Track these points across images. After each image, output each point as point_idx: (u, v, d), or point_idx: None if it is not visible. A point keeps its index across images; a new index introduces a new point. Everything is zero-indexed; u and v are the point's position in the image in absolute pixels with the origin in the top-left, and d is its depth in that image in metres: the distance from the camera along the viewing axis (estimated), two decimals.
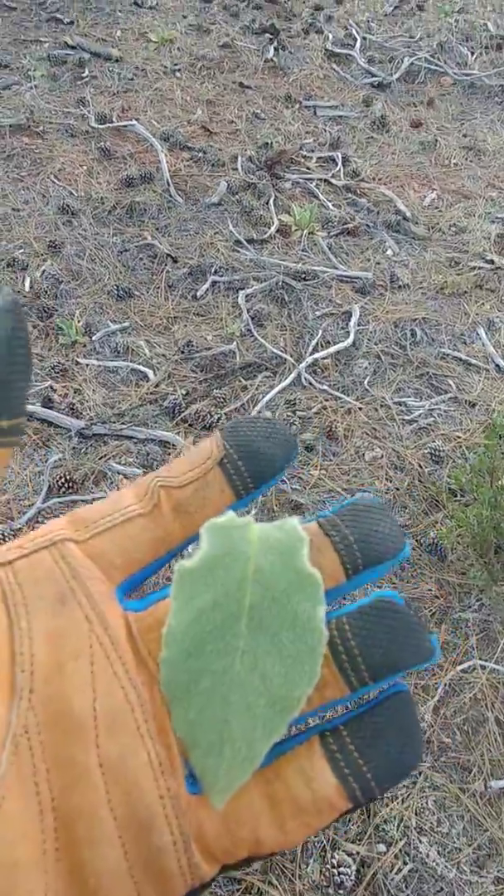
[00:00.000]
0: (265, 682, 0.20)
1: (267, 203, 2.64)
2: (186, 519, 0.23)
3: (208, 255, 2.40)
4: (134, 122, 2.92)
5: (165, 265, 2.36)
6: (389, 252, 2.41)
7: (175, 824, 0.19)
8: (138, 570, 0.23)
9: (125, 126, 2.92)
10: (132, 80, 3.32)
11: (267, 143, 2.91)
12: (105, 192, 2.63)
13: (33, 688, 0.19)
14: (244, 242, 2.44)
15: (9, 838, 0.17)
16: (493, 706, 1.35)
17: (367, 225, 2.53)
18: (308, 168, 2.83)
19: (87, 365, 2.02)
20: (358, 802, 0.20)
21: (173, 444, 1.78)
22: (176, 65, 3.41)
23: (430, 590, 1.51)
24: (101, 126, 2.92)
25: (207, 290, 2.28)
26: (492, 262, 2.32)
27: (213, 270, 2.34)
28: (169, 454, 1.77)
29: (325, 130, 2.96)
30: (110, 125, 2.94)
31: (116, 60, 3.41)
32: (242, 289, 2.27)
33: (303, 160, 2.86)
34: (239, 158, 2.83)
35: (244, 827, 0.20)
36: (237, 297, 2.24)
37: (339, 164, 2.79)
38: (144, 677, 0.20)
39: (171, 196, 2.63)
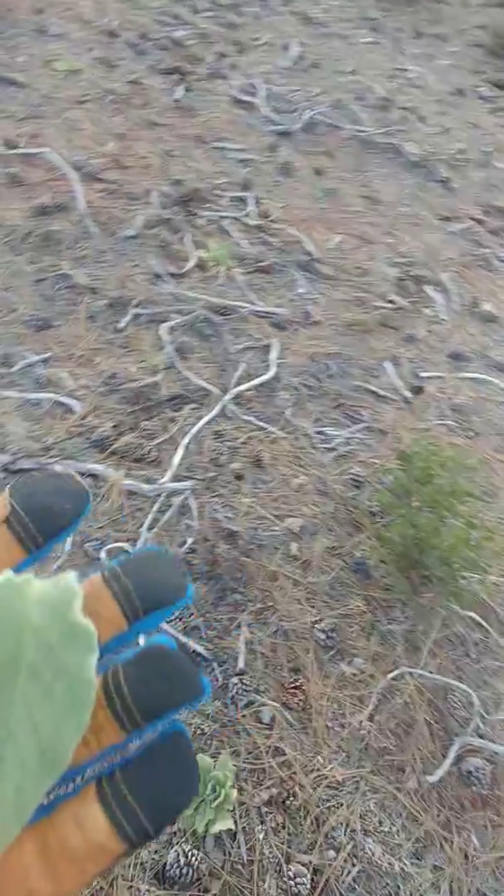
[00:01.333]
0: (37, 733, 0.20)
1: (182, 238, 2.73)
2: None
3: (128, 288, 2.44)
4: (46, 149, 2.91)
5: (85, 296, 2.37)
6: (301, 290, 2.58)
7: None
8: None
9: (36, 153, 2.90)
10: (39, 106, 3.30)
11: (179, 180, 3.01)
12: (17, 220, 2.59)
13: None
14: (163, 276, 2.50)
15: None
16: (420, 708, 1.48)
17: (279, 264, 2.69)
18: (220, 206, 2.95)
19: (7, 397, 1.98)
20: (133, 844, 0.20)
21: (104, 478, 1.79)
22: (85, 95, 3.44)
23: (358, 606, 1.63)
24: (9, 151, 2.88)
25: (129, 322, 2.31)
26: (392, 302, 2.55)
27: (133, 303, 2.37)
28: (100, 487, 1.77)
29: (235, 171, 3.11)
30: (19, 151, 2.90)
31: (21, 86, 3.37)
32: (164, 321, 2.33)
33: (215, 198, 2.98)
34: (153, 193, 2.90)
35: (13, 883, 0.19)
36: (159, 329, 2.29)
37: (250, 204, 2.94)
38: None
39: (87, 227, 2.65)
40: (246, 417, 2.05)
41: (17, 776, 0.19)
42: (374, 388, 2.22)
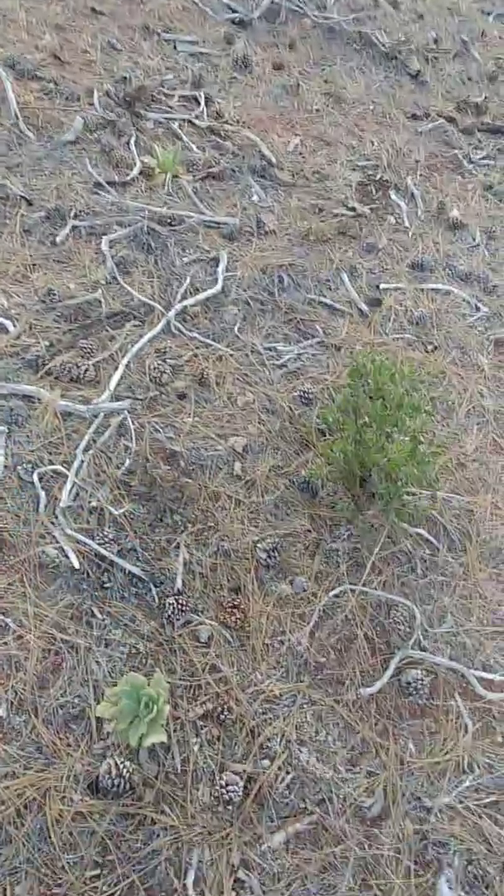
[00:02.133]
0: None
1: (128, 143, 2.51)
2: None
3: (67, 198, 2.25)
4: None
5: (19, 208, 2.19)
6: (255, 198, 2.40)
7: None
8: None
9: None
10: None
11: (125, 78, 2.75)
12: None
13: None
14: (105, 185, 2.31)
15: None
16: (362, 624, 1.47)
17: (233, 169, 2.50)
18: (170, 107, 2.71)
19: None
20: None
21: (38, 399, 1.69)
22: None
23: (303, 525, 1.59)
24: None
25: (67, 235, 2.14)
26: (353, 209, 2.39)
27: (72, 214, 2.20)
28: (34, 409, 1.68)
29: (187, 67, 2.84)
30: None
31: None
32: (105, 234, 2.17)
33: (164, 98, 2.73)
34: (95, 93, 2.64)
35: None
36: (100, 242, 2.13)
37: (203, 104, 2.70)
38: None
39: (21, 131, 2.42)
40: (191, 334, 1.94)
41: None
42: (328, 302, 2.10)
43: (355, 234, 2.33)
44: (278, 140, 2.61)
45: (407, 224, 2.39)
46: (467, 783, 1.35)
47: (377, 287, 2.18)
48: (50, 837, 1.16)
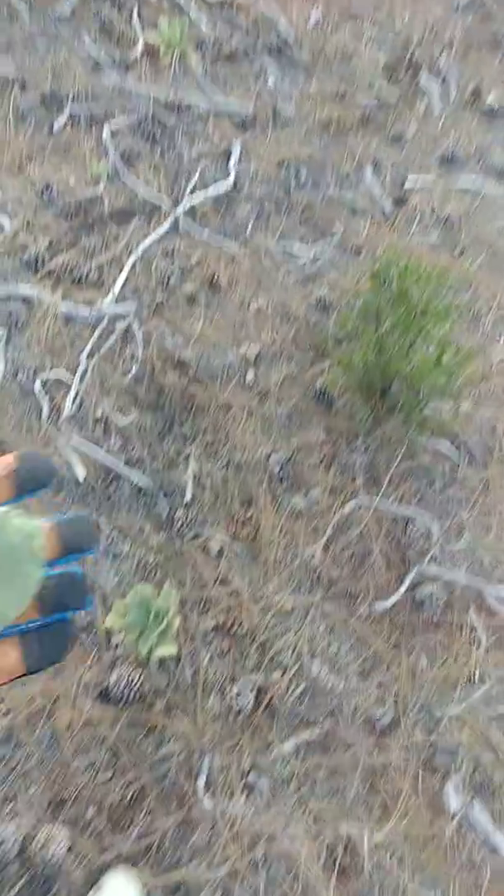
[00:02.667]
0: None
1: (130, 16, 2.24)
2: None
3: (63, 80, 2.04)
4: None
5: (11, 90, 1.98)
6: (271, 81, 2.16)
7: None
8: None
9: None
10: None
11: None
12: None
13: None
14: (105, 65, 2.08)
15: None
16: (377, 539, 1.42)
17: (247, 49, 2.24)
18: None
19: None
20: (30, 671, 0.35)
21: (39, 302, 1.58)
22: None
23: (317, 437, 1.51)
24: None
25: (65, 122, 1.95)
26: (379, 94, 2.15)
27: (70, 98, 1.99)
28: (34, 313, 1.57)
29: None
30: None
31: None
32: (106, 122, 1.97)
33: None
34: None
35: None
36: (101, 131, 1.94)
37: None
38: None
39: (10, 5, 2.16)
40: (201, 234, 1.79)
41: None
42: (349, 199, 1.93)
43: (380, 123, 2.11)
44: (298, 14, 2.32)
45: (438, 111, 2.16)
46: (477, 695, 1.34)
47: (402, 183, 1.99)
48: (61, 743, 1.17)
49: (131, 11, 2.25)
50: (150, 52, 2.18)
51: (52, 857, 1.07)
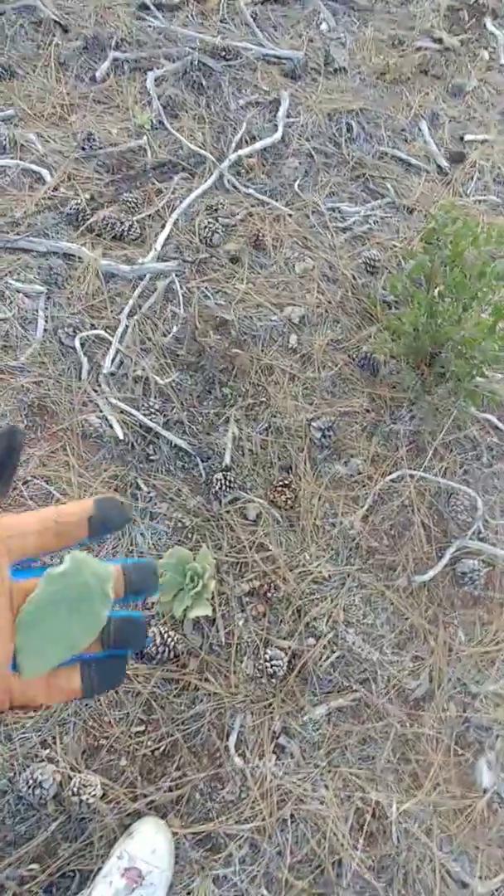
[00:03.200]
0: (68, 634, 0.42)
1: None
2: (61, 539, 0.44)
3: (107, 24, 1.96)
4: None
5: (54, 35, 1.92)
6: (324, 26, 2.05)
7: (2, 675, 0.41)
8: (25, 559, 0.44)
9: None
10: None
11: None
12: None
13: None
14: (151, 7, 2.00)
15: None
16: (419, 510, 1.38)
17: None
18: None
19: None
20: (86, 695, 0.44)
21: (79, 258, 1.55)
22: None
23: (361, 404, 1.47)
24: None
25: (108, 70, 1.89)
26: (440, 41, 2.02)
27: (113, 44, 1.92)
28: (75, 269, 1.55)
29: None
30: None
31: None
32: (151, 69, 1.90)
33: None
34: None
35: (31, 691, 0.43)
36: (145, 79, 1.87)
37: None
38: (10, 613, 0.42)
39: None
40: (246, 190, 1.73)
41: (53, 650, 0.42)
42: (403, 156, 1.83)
43: (440, 73, 1.99)
44: None
45: (503, 61, 2.02)
46: None
47: (461, 139, 1.88)
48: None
49: None
50: None
51: (87, 801, 1.10)
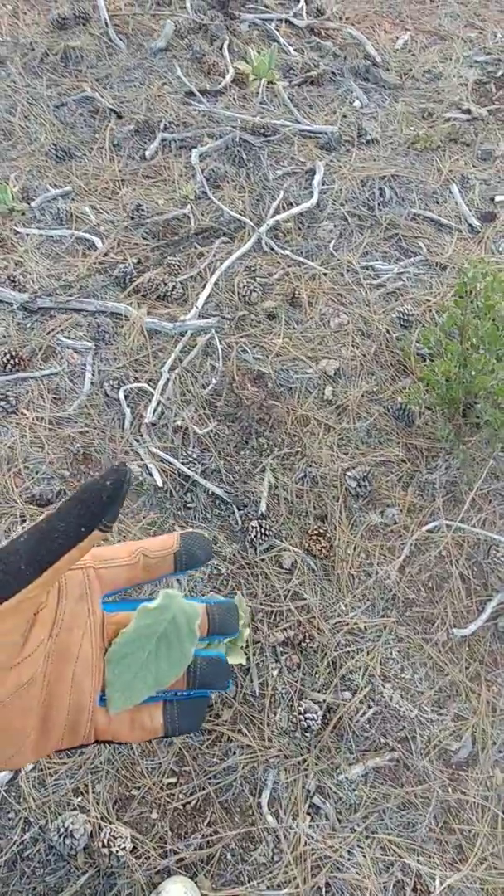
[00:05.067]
0: (157, 669, 0.42)
1: (220, 48, 2.34)
2: (149, 573, 0.45)
3: (156, 109, 2.15)
4: None
5: (109, 121, 2.11)
6: (357, 103, 2.18)
7: (90, 709, 0.41)
8: (113, 591, 0.44)
9: None
10: None
11: None
12: (35, 36, 2.29)
13: (58, 633, 0.40)
14: (196, 94, 2.18)
15: (27, 683, 0.39)
16: (457, 562, 1.36)
17: (333, 72, 2.27)
18: (266, 6, 2.50)
19: (28, 234, 1.83)
20: (167, 734, 0.44)
21: (125, 316, 1.65)
22: None
23: (396, 454, 1.48)
24: None
25: (157, 148, 2.05)
26: (468, 111, 2.12)
27: (162, 126, 2.09)
28: (121, 327, 1.64)
29: None
30: None
31: None
32: (195, 147, 2.05)
33: None
34: None
35: (115, 726, 0.43)
36: (190, 156, 2.02)
37: (302, 0, 2.46)
38: (101, 645, 0.42)
39: (110, 40, 2.31)
40: (283, 251, 1.82)
41: (141, 685, 0.42)
42: (434, 217, 1.90)
43: (469, 141, 2.08)
44: (385, 37, 2.34)
45: None
46: None
47: (491, 199, 1.94)
48: (130, 743, 1.18)
49: (223, 43, 2.35)
50: (239, 79, 2.27)
51: (117, 854, 1.07)
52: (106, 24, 2.32)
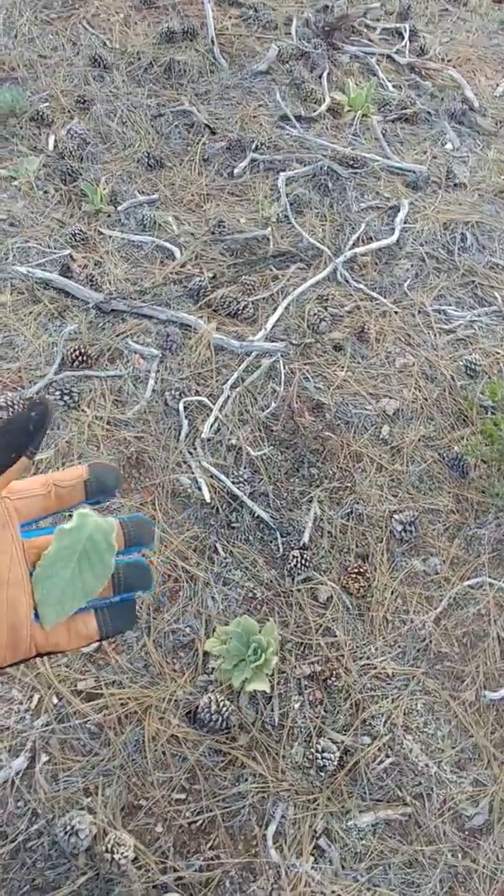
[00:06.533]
0: (83, 582, 0.46)
1: (320, 77, 2.38)
2: (61, 501, 0.48)
3: (250, 130, 2.19)
4: None
5: (202, 136, 2.16)
6: (449, 145, 2.19)
7: (27, 626, 0.45)
8: (30, 520, 0.47)
9: None
10: None
11: (327, 6, 2.59)
12: (142, 46, 2.37)
13: None
14: (291, 119, 2.21)
15: None
16: (496, 622, 1.33)
17: (428, 112, 2.28)
18: (370, 40, 2.53)
19: (111, 237, 1.89)
20: (103, 637, 0.48)
21: (195, 329, 1.68)
22: None
23: (446, 504, 1.46)
24: None
25: (245, 168, 2.09)
26: None
27: (253, 147, 2.13)
28: (189, 339, 1.68)
29: None
30: None
31: None
32: (283, 170, 2.08)
33: (365, 30, 2.55)
34: (294, 21, 2.52)
35: (53, 638, 0.46)
36: (277, 178, 2.06)
37: (406, 38, 2.48)
38: (27, 568, 0.46)
39: (214, 58, 2.37)
40: (357, 285, 1.82)
41: (70, 599, 0.46)
42: None
43: None
44: (485, 82, 2.34)
45: None
46: None
47: None
48: (144, 751, 1.19)
49: (322, 72, 2.39)
50: (335, 109, 2.30)
51: (118, 861, 1.08)
52: (212, 41, 2.39)
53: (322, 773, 1.18)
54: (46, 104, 2.15)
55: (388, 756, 1.21)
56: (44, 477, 0.48)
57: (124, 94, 2.23)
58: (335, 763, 1.18)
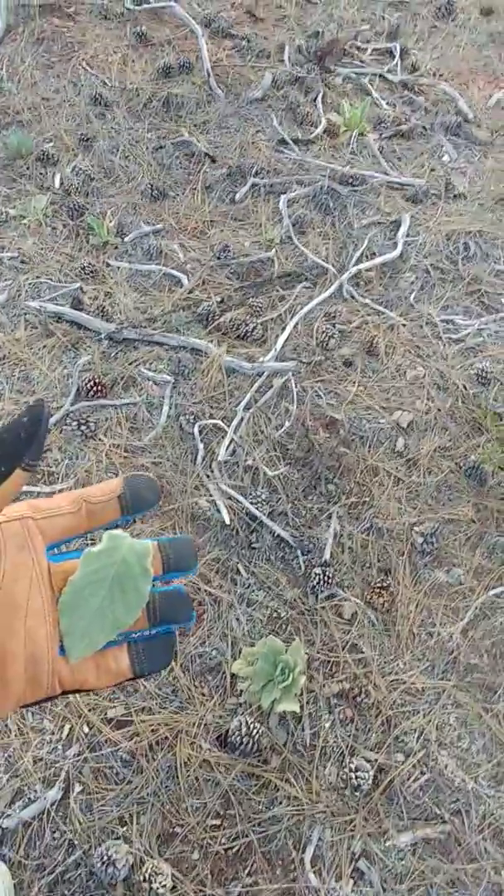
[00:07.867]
0: (113, 612, 0.41)
1: (315, 100, 2.43)
2: (93, 520, 0.43)
3: (249, 155, 2.24)
4: (173, 3, 2.67)
5: (203, 165, 2.21)
6: (446, 158, 2.21)
7: (49, 660, 0.40)
8: (59, 541, 0.42)
9: (163, 7, 2.67)
10: None
11: (318, 32, 2.65)
12: (140, 83, 2.44)
13: (2, 587, 0.39)
14: (288, 142, 2.26)
15: None
16: None
17: (424, 127, 2.32)
18: (362, 61, 2.58)
19: (119, 268, 1.93)
20: (136, 675, 0.42)
21: (206, 353, 1.71)
22: None
23: (466, 513, 1.46)
24: (137, 7, 2.68)
25: (247, 192, 2.13)
26: None
27: (253, 172, 2.18)
28: (200, 363, 1.70)
29: (384, 18, 2.67)
30: (147, 6, 2.69)
31: None
32: (284, 193, 2.12)
33: (356, 52, 2.60)
34: (286, 48, 2.58)
35: (80, 674, 0.41)
36: (278, 201, 2.09)
37: (397, 56, 2.53)
38: (51, 595, 0.41)
39: (210, 89, 2.43)
40: (363, 300, 1.84)
41: (99, 631, 0.41)
42: None
43: None
44: (478, 94, 2.38)
45: None
46: None
47: None
48: (177, 777, 1.19)
49: (317, 95, 2.44)
50: (331, 130, 2.34)
51: (156, 890, 1.07)
52: (208, 73, 2.45)
53: (357, 793, 1.17)
54: (51, 144, 2.22)
55: (423, 773, 1.19)
56: (74, 493, 0.42)
57: (125, 129, 2.30)
58: (370, 782, 1.16)
